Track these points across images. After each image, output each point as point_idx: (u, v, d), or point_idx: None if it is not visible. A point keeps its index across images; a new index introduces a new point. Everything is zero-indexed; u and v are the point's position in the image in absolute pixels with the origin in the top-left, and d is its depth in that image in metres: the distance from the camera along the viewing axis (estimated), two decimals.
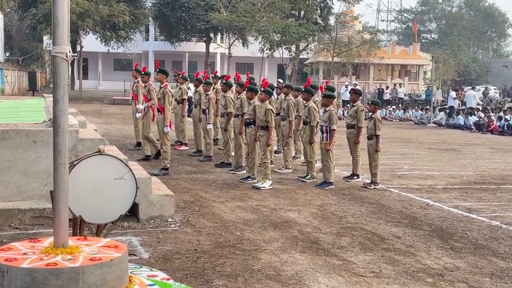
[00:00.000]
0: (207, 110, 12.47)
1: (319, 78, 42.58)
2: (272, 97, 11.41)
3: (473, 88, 30.91)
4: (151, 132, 12.10)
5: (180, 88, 13.82)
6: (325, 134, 9.84)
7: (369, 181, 9.92)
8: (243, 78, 13.02)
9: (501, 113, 24.44)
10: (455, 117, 25.33)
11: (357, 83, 34.91)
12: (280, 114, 11.67)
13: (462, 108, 27.42)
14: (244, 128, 10.47)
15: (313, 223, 7.20)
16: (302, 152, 11.56)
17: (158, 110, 10.86)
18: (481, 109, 26.14)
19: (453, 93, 28.26)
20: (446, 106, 28.30)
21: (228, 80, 12.47)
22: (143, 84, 12.56)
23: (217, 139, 13.95)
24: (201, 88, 12.94)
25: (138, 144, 13.23)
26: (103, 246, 3.47)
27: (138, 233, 6.47)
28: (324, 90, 11.24)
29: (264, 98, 9.78)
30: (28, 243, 3.52)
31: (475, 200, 9.09)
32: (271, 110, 9.70)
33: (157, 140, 12.38)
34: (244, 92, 10.74)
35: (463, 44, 65.38)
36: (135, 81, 13.22)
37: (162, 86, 10.79)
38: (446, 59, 47.69)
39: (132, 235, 6.35)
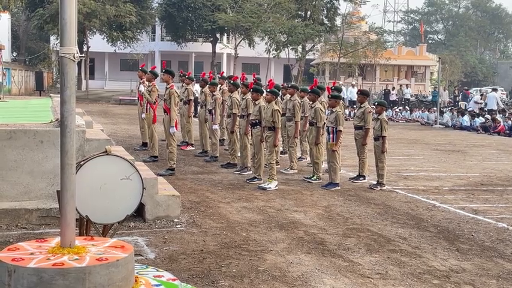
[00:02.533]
0: (213, 111, 12.47)
1: (326, 78, 42.55)
2: (278, 98, 11.40)
3: (494, 90, 30.43)
4: (155, 132, 12.12)
5: (186, 89, 13.83)
6: (331, 135, 9.83)
7: (375, 182, 9.91)
8: (250, 79, 13.02)
9: (507, 114, 24.33)
10: (461, 117, 25.20)
11: (341, 82, 34.82)
12: (286, 114, 11.66)
13: (469, 109, 27.26)
14: (249, 129, 10.47)
15: (319, 224, 7.19)
16: (308, 152, 11.55)
17: (164, 111, 10.87)
18: (501, 111, 25.70)
19: (477, 97, 27.99)
20: (455, 107, 28.14)
21: (235, 81, 12.47)
22: (147, 83, 12.55)
23: (223, 139, 13.96)
24: (207, 89, 12.96)
25: (144, 144, 13.25)
26: (109, 246, 3.49)
27: (144, 233, 6.48)
28: (331, 91, 11.22)
29: (270, 98, 9.78)
30: (35, 243, 3.53)
31: (482, 201, 9.06)
32: (278, 111, 9.70)
33: (162, 140, 12.40)
34: (250, 92, 10.73)
35: (470, 45, 65.23)
36: (141, 81, 13.23)
37: (168, 86, 10.80)
38: (453, 60, 47.62)
39: (138, 235, 6.36)
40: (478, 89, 37.67)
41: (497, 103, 26.94)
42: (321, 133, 10.38)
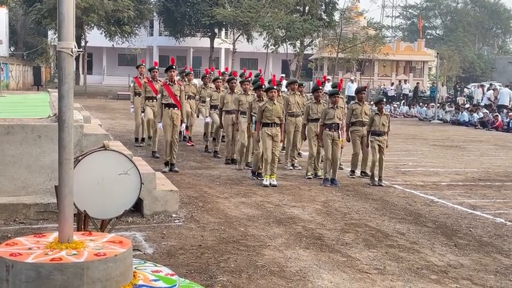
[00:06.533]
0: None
1: (324, 74, 42.55)
2: (281, 94, 11.51)
3: (507, 86, 30.26)
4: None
5: (187, 84, 13.84)
6: (335, 132, 9.74)
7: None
8: (251, 74, 13.21)
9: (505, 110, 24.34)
10: (460, 113, 25.19)
11: (327, 79, 34.66)
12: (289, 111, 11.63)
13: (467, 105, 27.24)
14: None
15: (317, 219, 7.20)
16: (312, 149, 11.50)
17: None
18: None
19: (490, 92, 27.91)
20: (453, 103, 27.98)
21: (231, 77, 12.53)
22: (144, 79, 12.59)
23: (224, 136, 13.94)
24: (207, 84, 13.17)
25: (143, 139, 13.24)
26: (107, 241, 3.48)
27: (143, 228, 6.48)
28: (321, 84, 11.02)
29: (272, 95, 9.68)
30: (33, 238, 3.53)
31: (480, 197, 9.07)
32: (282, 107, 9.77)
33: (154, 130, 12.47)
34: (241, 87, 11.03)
35: (468, 40, 65.10)
36: (140, 76, 13.23)
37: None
38: (451, 55, 47.55)
39: (137, 230, 6.36)
40: (476, 84, 37.57)
41: (510, 99, 26.78)
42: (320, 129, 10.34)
